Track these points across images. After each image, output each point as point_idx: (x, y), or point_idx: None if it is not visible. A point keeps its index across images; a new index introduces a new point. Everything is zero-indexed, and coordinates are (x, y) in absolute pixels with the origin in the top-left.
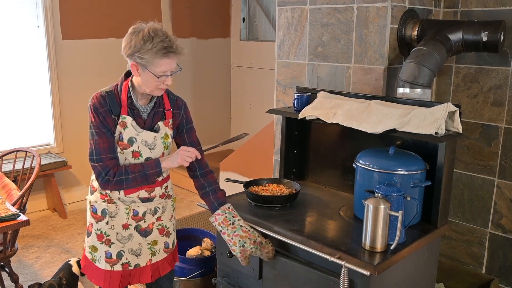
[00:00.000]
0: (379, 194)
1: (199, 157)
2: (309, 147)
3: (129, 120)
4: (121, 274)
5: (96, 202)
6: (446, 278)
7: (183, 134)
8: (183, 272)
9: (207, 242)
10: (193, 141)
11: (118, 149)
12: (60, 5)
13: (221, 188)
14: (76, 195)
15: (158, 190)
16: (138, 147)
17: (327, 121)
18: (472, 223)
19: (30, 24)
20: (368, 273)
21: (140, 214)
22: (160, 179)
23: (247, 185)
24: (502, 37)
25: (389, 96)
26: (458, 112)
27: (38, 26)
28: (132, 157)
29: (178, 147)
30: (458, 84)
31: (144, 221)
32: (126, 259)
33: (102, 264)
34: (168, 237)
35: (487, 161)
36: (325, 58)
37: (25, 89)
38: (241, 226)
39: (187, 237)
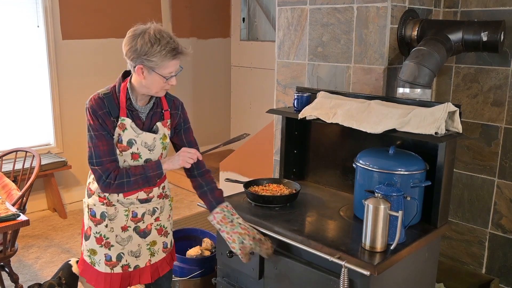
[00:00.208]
0: (379, 194)
1: (200, 158)
2: (309, 147)
3: (128, 122)
4: (121, 276)
5: (94, 205)
6: (446, 278)
7: (181, 134)
8: (183, 272)
9: (207, 242)
10: (191, 141)
11: (117, 151)
12: (60, 5)
13: (219, 187)
14: (76, 195)
15: (156, 191)
16: (137, 149)
17: (327, 121)
18: (472, 223)
19: (30, 24)
20: (368, 273)
21: (139, 216)
22: None
23: (247, 185)
24: (502, 37)
25: (389, 96)
26: (458, 112)
27: (38, 26)
28: (131, 159)
29: (175, 147)
30: (458, 84)
31: (143, 222)
32: (126, 261)
33: (102, 267)
34: (167, 237)
35: (487, 161)
36: (325, 58)
37: (25, 89)
38: (240, 224)
39: (187, 237)
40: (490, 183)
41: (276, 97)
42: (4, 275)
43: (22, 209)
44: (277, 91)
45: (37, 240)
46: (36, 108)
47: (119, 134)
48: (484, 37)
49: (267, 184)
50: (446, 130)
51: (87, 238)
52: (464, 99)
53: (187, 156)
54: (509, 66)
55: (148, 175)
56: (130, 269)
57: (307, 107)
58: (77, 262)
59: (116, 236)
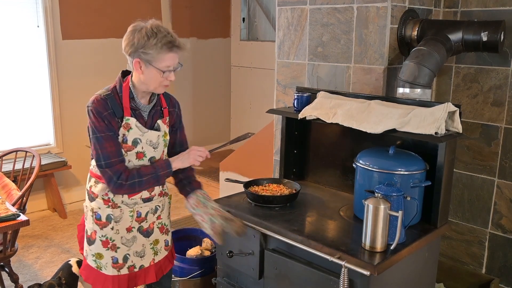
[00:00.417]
0: (379, 194)
1: (209, 156)
2: (309, 147)
3: (133, 121)
4: (128, 277)
5: (99, 208)
6: (446, 278)
7: (177, 133)
8: (183, 272)
9: (207, 242)
10: (183, 139)
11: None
12: (60, 5)
13: (198, 180)
14: (76, 195)
15: (157, 189)
16: (142, 148)
17: (327, 121)
18: (472, 223)
19: (30, 24)
20: (368, 273)
21: (143, 215)
22: None
23: (247, 185)
24: (502, 37)
25: (389, 96)
26: (458, 112)
27: (38, 26)
28: (136, 159)
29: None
30: (458, 84)
31: (146, 222)
32: (132, 261)
33: (109, 270)
34: (167, 235)
35: (487, 161)
36: (325, 58)
37: (25, 89)
38: (213, 207)
39: (187, 237)
40: (490, 183)
41: (276, 97)
42: (4, 275)
43: (22, 209)
44: (277, 91)
45: (37, 240)
46: (36, 108)
47: (124, 134)
48: (484, 37)
49: (267, 184)
50: (446, 130)
51: (91, 242)
52: (464, 99)
53: (197, 154)
54: (509, 66)
55: (159, 174)
56: (135, 270)
57: (307, 107)
58: (77, 262)
59: (122, 237)
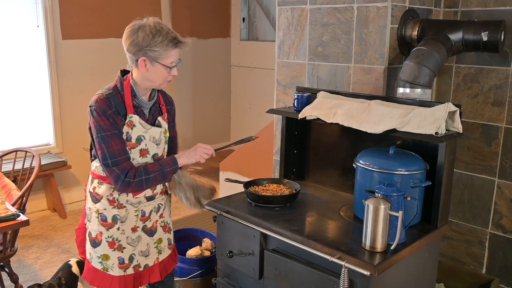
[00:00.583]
0: (379, 194)
1: (214, 155)
2: (309, 147)
3: (136, 119)
4: (133, 277)
5: (105, 209)
6: (446, 278)
7: (171, 129)
8: (183, 272)
9: (207, 242)
10: (174, 135)
11: None
12: (60, 5)
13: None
14: (76, 195)
15: (159, 187)
16: (145, 145)
17: (327, 121)
18: (472, 223)
19: (30, 24)
20: (368, 273)
21: (147, 214)
22: None
23: (247, 185)
24: (502, 37)
25: (389, 96)
26: (458, 112)
27: (38, 26)
28: (139, 156)
29: None
30: (458, 84)
31: (149, 221)
32: (137, 261)
33: (116, 271)
34: (170, 233)
35: (487, 161)
36: (325, 58)
37: (25, 89)
38: (186, 182)
39: (187, 237)
40: (490, 183)
41: (276, 97)
42: (4, 275)
43: (22, 209)
44: (277, 91)
45: (37, 240)
46: (36, 108)
47: (128, 132)
48: (485, 37)
49: (267, 184)
50: (446, 130)
51: (96, 244)
52: (464, 99)
53: (203, 151)
54: (510, 66)
55: (165, 171)
56: (140, 269)
57: (307, 107)
58: (77, 262)
59: (127, 237)
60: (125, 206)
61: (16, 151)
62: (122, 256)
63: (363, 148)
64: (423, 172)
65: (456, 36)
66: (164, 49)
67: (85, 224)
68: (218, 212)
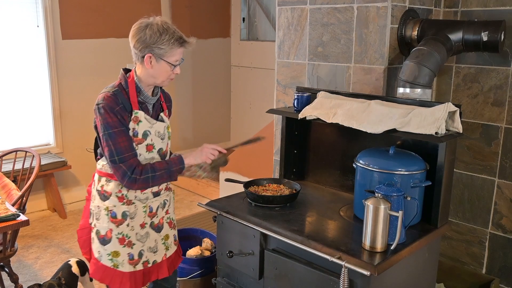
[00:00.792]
0: (379, 194)
1: (224, 151)
2: (309, 147)
3: (141, 114)
4: (143, 273)
5: (115, 206)
6: (446, 278)
7: None
8: (183, 272)
9: (207, 242)
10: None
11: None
12: (60, 5)
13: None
14: (76, 195)
15: (163, 184)
16: (151, 140)
17: (327, 121)
18: (472, 223)
19: (30, 24)
20: (368, 273)
21: (154, 210)
22: None
23: (247, 185)
24: (502, 37)
25: (389, 96)
26: (458, 112)
27: (38, 26)
28: (146, 151)
29: None
30: (459, 84)
31: (156, 217)
32: (146, 257)
33: (126, 267)
34: (175, 230)
35: (487, 161)
36: (325, 58)
37: (25, 89)
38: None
39: (187, 237)
40: (490, 183)
41: (276, 97)
42: (4, 275)
43: (22, 209)
44: (277, 91)
45: (37, 240)
46: (36, 108)
47: (134, 128)
48: (485, 37)
49: (267, 184)
50: (446, 130)
51: (106, 242)
52: (464, 99)
53: (210, 152)
54: (510, 66)
55: (172, 170)
56: (149, 265)
57: (307, 107)
58: (76, 262)
59: (136, 234)
60: (133, 203)
61: (16, 151)
62: (132, 252)
63: (363, 148)
64: (423, 172)
65: (456, 36)
66: (170, 47)
67: (90, 224)
68: (218, 212)
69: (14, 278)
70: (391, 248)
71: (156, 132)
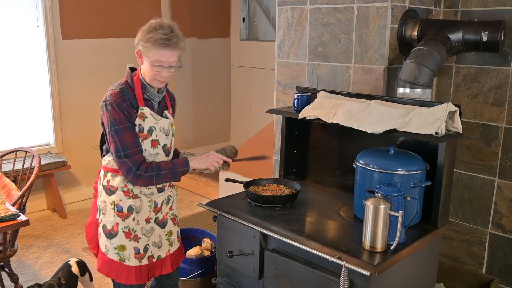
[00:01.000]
0: (379, 194)
1: (230, 161)
2: (309, 147)
3: (147, 110)
4: (148, 267)
5: (121, 200)
6: (446, 278)
7: None
8: (183, 272)
9: (207, 242)
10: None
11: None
12: (60, 5)
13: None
14: (76, 195)
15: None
16: (156, 136)
17: (327, 121)
18: (472, 223)
19: (30, 24)
20: (368, 273)
21: (159, 205)
22: None
23: (247, 185)
24: (502, 37)
25: (389, 96)
26: (458, 112)
27: (38, 26)
28: (151, 147)
29: None
30: (459, 84)
31: (161, 212)
32: (151, 252)
33: (132, 261)
34: (178, 226)
35: (487, 161)
36: (325, 58)
37: (25, 89)
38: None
39: (187, 237)
40: (490, 183)
41: (276, 97)
42: (4, 275)
43: (22, 209)
44: (277, 91)
45: (37, 240)
46: (36, 108)
47: (140, 124)
48: (485, 37)
49: (267, 184)
50: (446, 130)
51: (113, 236)
52: (464, 99)
53: (215, 160)
54: (509, 66)
55: (176, 171)
56: (154, 260)
57: (307, 107)
58: (76, 262)
59: (142, 228)
60: (139, 197)
61: (16, 151)
62: (137, 246)
63: (363, 148)
64: (423, 172)
65: (456, 36)
66: (151, 45)
67: (97, 219)
68: (218, 212)
69: (14, 278)
70: (391, 248)
71: (161, 128)
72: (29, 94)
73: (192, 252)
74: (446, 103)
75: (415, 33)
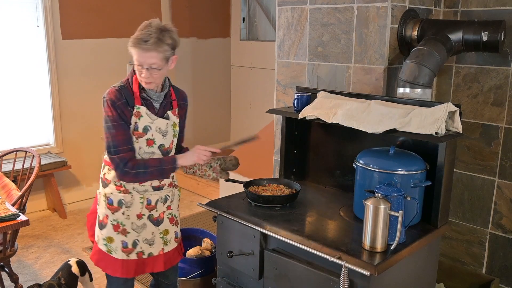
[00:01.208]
0: (379, 194)
1: (218, 151)
2: (309, 147)
3: (143, 109)
4: (136, 263)
5: (112, 193)
6: (446, 278)
7: (182, 122)
8: (183, 272)
9: (207, 242)
10: (183, 126)
11: (133, 139)
12: (60, 5)
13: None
14: (76, 195)
15: (166, 180)
16: (152, 135)
17: (327, 121)
18: (472, 223)
19: (30, 24)
20: (368, 273)
21: (153, 203)
22: None
23: (247, 185)
24: (502, 37)
25: (389, 96)
26: (458, 112)
27: (38, 26)
28: (146, 145)
29: None
30: (459, 84)
31: (156, 210)
32: (141, 248)
33: (119, 254)
34: (177, 227)
35: (487, 161)
36: (325, 58)
37: (25, 89)
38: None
39: (187, 237)
40: (490, 183)
41: (276, 97)
42: (4, 275)
43: (22, 209)
44: (277, 91)
45: (37, 240)
46: (36, 108)
47: (135, 122)
48: (485, 37)
49: (267, 184)
50: (446, 130)
51: (102, 227)
52: (464, 99)
53: (202, 153)
54: (509, 66)
55: (164, 168)
56: (144, 256)
57: (307, 107)
58: (76, 262)
59: (132, 223)
60: (130, 192)
61: (16, 151)
62: (125, 240)
63: (363, 148)
64: (423, 172)
65: (456, 36)
66: (130, 44)
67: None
68: (218, 212)
69: (14, 278)
70: (391, 248)
71: (157, 128)
72: (29, 94)
73: (192, 252)
74: (446, 103)
75: (415, 33)
